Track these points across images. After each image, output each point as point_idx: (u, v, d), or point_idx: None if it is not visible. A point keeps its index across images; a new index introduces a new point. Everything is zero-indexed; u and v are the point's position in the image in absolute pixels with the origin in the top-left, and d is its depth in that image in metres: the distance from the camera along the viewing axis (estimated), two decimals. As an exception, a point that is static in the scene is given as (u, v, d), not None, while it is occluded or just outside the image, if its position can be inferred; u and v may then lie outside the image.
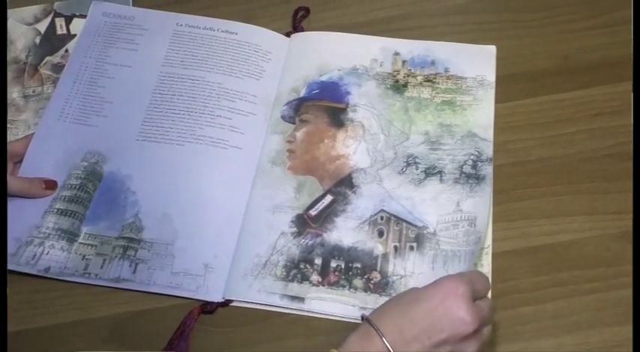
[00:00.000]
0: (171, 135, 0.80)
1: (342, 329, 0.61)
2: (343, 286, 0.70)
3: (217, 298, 0.71)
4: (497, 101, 0.80)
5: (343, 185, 0.76)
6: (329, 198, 0.75)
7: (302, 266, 0.71)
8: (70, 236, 0.76)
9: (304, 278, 0.71)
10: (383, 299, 0.67)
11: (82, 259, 0.74)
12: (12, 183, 0.75)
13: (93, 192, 0.78)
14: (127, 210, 0.77)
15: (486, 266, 0.70)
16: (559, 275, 0.69)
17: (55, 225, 0.76)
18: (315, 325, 0.69)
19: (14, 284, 0.73)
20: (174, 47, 0.87)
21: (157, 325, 0.70)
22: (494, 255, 0.70)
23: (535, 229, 0.72)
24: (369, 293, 0.69)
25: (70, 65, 0.87)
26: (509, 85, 0.81)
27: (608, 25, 0.85)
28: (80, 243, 0.75)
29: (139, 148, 0.80)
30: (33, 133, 0.82)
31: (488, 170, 0.75)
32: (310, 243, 0.73)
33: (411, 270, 0.70)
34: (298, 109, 0.82)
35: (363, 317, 0.59)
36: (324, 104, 0.82)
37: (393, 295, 0.68)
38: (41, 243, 0.75)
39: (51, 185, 0.78)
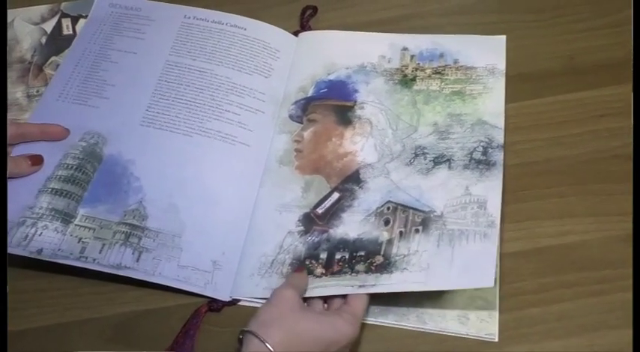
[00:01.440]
0: (178, 124, 0.79)
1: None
2: (345, 273, 0.68)
3: (225, 297, 0.70)
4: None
5: (350, 181, 0.75)
6: (335, 195, 0.75)
7: (307, 262, 0.71)
8: (65, 217, 0.73)
9: (309, 272, 0.70)
10: (383, 278, 0.66)
11: (79, 242, 0.72)
12: None
13: (92, 173, 0.77)
14: (130, 195, 0.75)
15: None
16: (565, 276, 0.69)
17: (49, 205, 0.74)
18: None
19: (19, 283, 0.72)
20: (181, 38, 0.86)
21: (162, 324, 0.70)
22: (500, 256, 0.70)
23: (541, 230, 0.72)
24: (369, 273, 0.68)
25: (73, 50, 0.87)
26: (515, 85, 0.81)
27: (614, 26, 0.85)
28: (76, 224, 0.73)
29: (143, 133, 0.79)
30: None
31: (499, 156, 0.72)
32: (317, 239, 0.72)
33: (415, 249, 0.68)
34: (306, 109, 0.81)
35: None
36: (331, 103, 0.81)
37: (395, 273, 0.67)
38: (34, 224, 0.73)
39: (36, 160, 0.76)
